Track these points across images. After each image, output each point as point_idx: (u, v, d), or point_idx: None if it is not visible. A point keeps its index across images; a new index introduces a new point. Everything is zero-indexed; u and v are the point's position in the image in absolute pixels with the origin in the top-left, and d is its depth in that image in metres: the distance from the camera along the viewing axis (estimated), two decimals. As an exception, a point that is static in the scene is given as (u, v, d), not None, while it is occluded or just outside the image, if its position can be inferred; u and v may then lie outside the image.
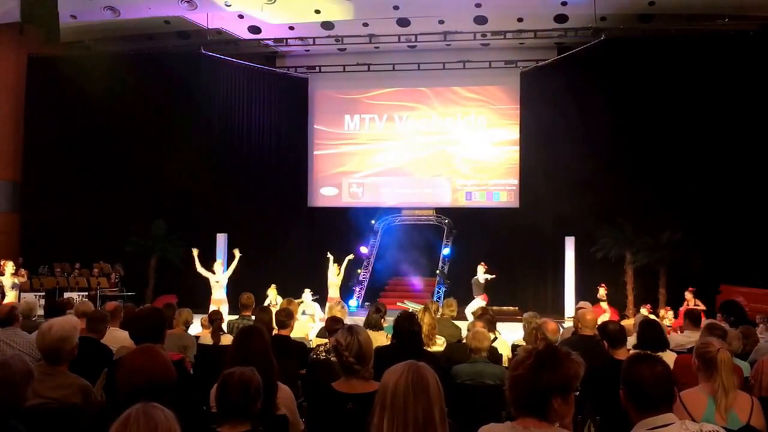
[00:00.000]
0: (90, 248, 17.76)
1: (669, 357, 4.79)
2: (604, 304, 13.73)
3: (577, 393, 2.23)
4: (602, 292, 14.00)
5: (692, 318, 6.94)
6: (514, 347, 6.59)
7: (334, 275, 13.63)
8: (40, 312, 9.32)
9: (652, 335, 5.12)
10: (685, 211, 15.72)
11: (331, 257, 13.85)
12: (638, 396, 2.46)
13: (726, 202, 15.68)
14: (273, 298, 12.72)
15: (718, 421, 3.19)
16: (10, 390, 2.89)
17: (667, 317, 13.26)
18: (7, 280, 12.10)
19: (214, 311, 7.46)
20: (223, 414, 2.85)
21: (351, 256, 14.37)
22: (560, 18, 16.54)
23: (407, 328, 4.79)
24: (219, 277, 12.74)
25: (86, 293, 16.28)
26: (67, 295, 14.89)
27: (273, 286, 13.02)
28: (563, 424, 2.20)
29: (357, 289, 18.15)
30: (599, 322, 5.66)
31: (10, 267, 12.24)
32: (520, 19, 16.77)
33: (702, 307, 13.27)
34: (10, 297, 11.71)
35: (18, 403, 2.95)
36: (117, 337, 5.19)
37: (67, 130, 18.34)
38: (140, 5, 16.90)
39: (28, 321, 6.17)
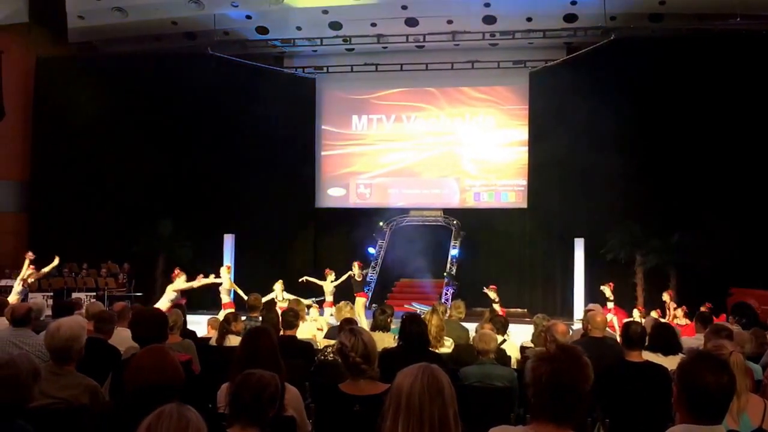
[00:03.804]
0: (98, 248, 17.80)
1: (678, 360, 4.74)
2: (610, 304, 13.70)
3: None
4: (608, 291, 13.96)
5: (703, 320, 6.90)
6: (523, 349, 6.58)
7: (330, 282, 13.69)
8: (48, 312, 9.34)
9: (665, 338, 5.08)
10: (696, 212, 15.64)
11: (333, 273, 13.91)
12: (696, 402, 2.32)
13: (737, 203, 15.60)
14: (279, 293, 12.80)
15: (730, 424, 3.13)
16: (17, 389, 2.88)
17: (677, 315, 13.24)
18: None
19: (232, 313, 7.42)
20: (234, 413, 2.82)
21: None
22: (569, 17, 16.49)
23: (414, 329, 4.76)
24: (227, 285, 12.85)
25: (94, 293, 16.30)
26: (75, 295, 14.91)
27: (280, 281, 13.05)
28: (576, 426, 2.17)
29: (364, 290, 18.09)
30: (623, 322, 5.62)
31: None
32: (529, 19, 16.72)
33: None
34: None
35: (25, 402, 2.95)
36: (125, 338, 5.17)
37: (75, 130, 18.38)
38: (148, 6, 16.94)
39: (36, 321, 6.17)
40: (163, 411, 2.01)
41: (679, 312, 14.00)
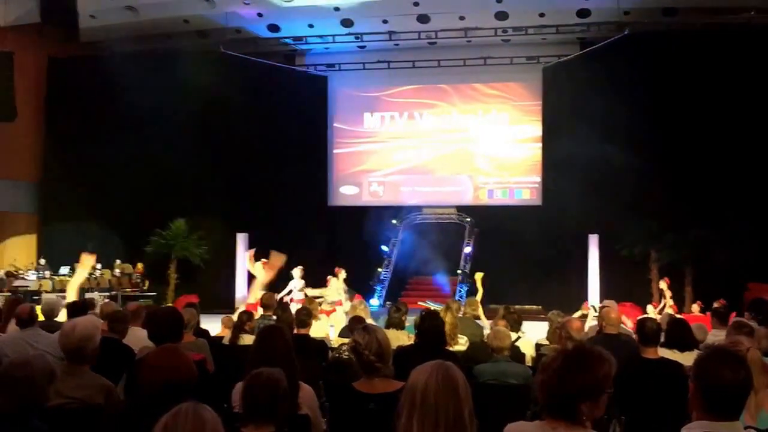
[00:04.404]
0: (111, 248, 17.88)
1: (694, 356, 4.70)
2: (669, 300, 13.74)
3: (611, 391, 2.17)
4: (663, 285, 13.97)
5: (719, 316, 6.82)
6: (538, 346, 6.54)
7: (341, 280, 13.67)
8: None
9: (680, 334, 5.03)
10: (712, 207, 15.52)
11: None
12: (713, 398, 2.30)
13: (754, 198, 15.47)
14: (298, 278, 12.88)
15: (748, 421, 3.11)
16: (33, 389, 2.89)
17: (694, 308, 13.26)
18: None
19: (245, 312, 7.43)
20: (248, 414, 2.82)
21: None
22: (583, 13, 16.39)
23: (433, 326, 4.74)
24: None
25: (108, 293, 16.37)
26: (88, 295, 14.98)
27: (300, 267, 13.05)
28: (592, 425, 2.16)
29: (378, 288, 18.10)
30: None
31: None
32: (541, 15, 16.62)
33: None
34: None
35: (40, 402, 2.96)
36: (139, 337, 5.18)
37: (87, 130, 18.47)
38: (159, 5, 16.99)
39: (50, 321, 6.18)
40: (179, 410, 2.01)
41: (695, 307, 13.98)
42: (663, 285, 14.22)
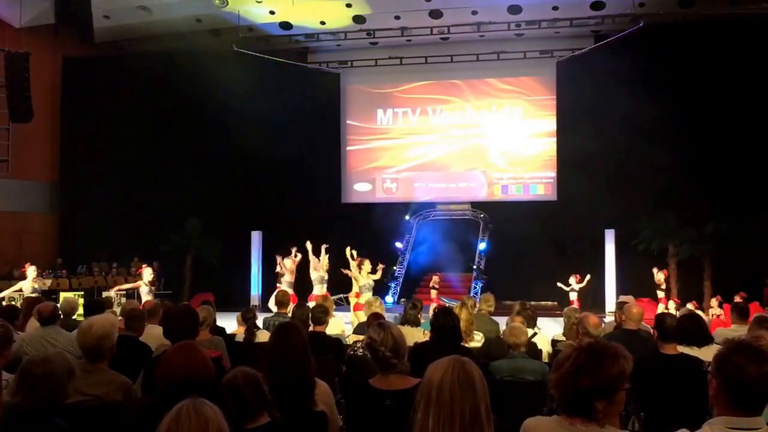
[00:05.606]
0: (127, 248, 17.99)
1: (713, 351, 4.65)
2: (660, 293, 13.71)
3: (627, 388, 2.15)
4: (661, 276, 13.91)
5: (739, 311, 6.76)
6: (554, 342, 6.50)
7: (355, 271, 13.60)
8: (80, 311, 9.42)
9: (695, 329, 4.97)
10: (730, 201, 15.38)
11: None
12: (738, 392, 2.26)
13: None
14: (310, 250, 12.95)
15: (770, 415, 3.08)
16: (52, 386, 2.91)
17: (713, 307, 13.15)
18: (27, 285, 11.32)
19: (248, 308, 7.44)
20: (245, 414, 2.84)
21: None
22: (596, 5, 16.28)
23: (448, 323, 4.72)
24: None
25: (124, 292, 16.46)
26: (105, 294, 15.08)
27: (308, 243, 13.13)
28: (612, 423, 2.13)
29: (392, 285, 18.09)
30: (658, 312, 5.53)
31: (31, 271, 11.56)
32: (555, 8, 16.54)
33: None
34: None
35: (60, 399, 2.97)
36: (156, 335, 5.20)
37: (103, 130, 18.57)
38: (172, 4, 17.05)
39: (68, 320, 6.24)
40: (180, 411, 1.97)
41: (714, 302, 13.88)
42: (660, 276, 14.13)
